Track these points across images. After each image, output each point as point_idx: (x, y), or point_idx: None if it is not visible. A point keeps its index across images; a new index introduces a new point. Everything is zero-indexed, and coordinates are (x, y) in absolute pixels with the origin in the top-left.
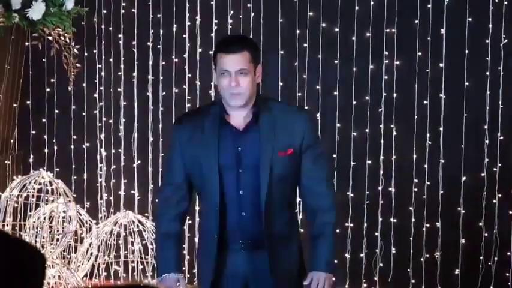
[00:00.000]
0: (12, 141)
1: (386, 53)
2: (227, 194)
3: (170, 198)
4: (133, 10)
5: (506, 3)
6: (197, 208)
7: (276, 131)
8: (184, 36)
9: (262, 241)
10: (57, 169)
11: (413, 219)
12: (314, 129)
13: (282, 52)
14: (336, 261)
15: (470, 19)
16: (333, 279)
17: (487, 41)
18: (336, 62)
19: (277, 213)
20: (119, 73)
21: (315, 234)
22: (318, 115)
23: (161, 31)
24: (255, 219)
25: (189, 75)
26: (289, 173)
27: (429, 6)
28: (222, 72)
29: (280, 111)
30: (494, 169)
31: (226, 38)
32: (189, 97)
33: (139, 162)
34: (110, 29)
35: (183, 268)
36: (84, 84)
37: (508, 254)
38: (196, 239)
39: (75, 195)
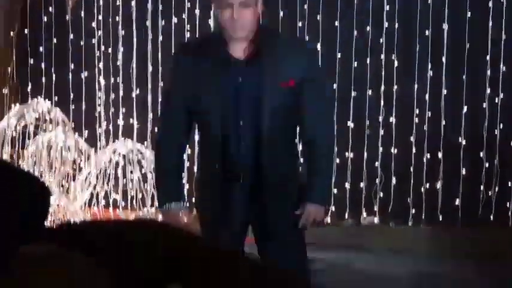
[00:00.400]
0: (9, 70)
1: None
2: (227, 125)
3: (169, 129)
4: None
5: None
6: (196, 137)
7: (278, 63)
8: None
9: (261, 173)
10: (56, 98)
11: (414, 150)
12: (316, 62)
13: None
14: (335, 192)
15: None
16: (331, 209)
17: None
18: None
19: (277, 145)
20: (118, 3)
21: (312, 166)
22: (318, 45)
23: None
24: (255, 151)
25: (188, 5)
26: (290, 105)
27: None
28: (224, 4)
29: (282, 43)
30: (496, 100)
31: None
32: (188, 27)
33: (138, 91)
34: None
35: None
36: (82, 13)
37: (509, 184)
38: (196, 168)
39: (73, 125)
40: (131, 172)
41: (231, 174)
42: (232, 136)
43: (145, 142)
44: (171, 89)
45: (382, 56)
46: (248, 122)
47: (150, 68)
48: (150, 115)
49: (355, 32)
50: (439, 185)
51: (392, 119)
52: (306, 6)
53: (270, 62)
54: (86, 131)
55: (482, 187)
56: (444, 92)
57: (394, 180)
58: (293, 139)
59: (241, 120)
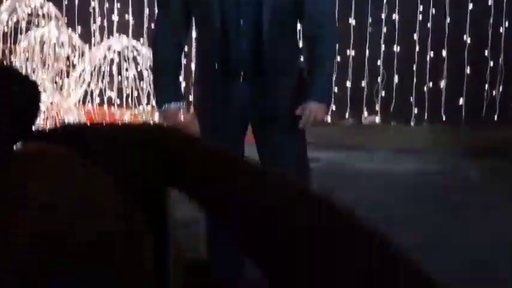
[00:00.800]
0: None
1: None
2: (227, 21)
3: (167, 24)
4: None
5: None
6: (194, 35)
7: None
8: None
9: (261, 70)
10: None
11: (417, 48)
12: None
13: None
14: (336, 91)
15: None
16: (332, 108)
17: None
18: None
19: (278, 41)
20: None
21: (312, 63)
22: None
23: None
24: (256, 47)
25: None
26: (292, 2)
27: None
28: None
29: None
30: None
31: None
32: None
33: None
34: None
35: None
36: None
37: None
38: (193, 66)
39: (66, 20)
40: (126, 70)
41: (231, 71)
42: (232, 32)
43: (141, 39)
44: None
45: None
46: (248, 18)
47: None
48: (147, 11)
49: None
50: (442, 83)
51: (395, 16)
52: None
53: None
54: (80, 27)
55: (486, 86)
56: None
57: (396, 79)
58: (294, 33)
59: (242, 18)
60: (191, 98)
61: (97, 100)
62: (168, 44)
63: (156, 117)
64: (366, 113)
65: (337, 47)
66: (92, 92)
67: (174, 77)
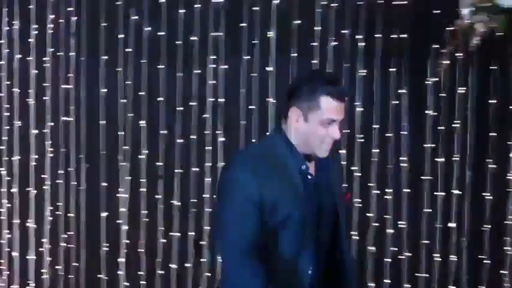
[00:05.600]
0: None
1: (215, 57)
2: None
3: (260, 270)
4: None
5: (334, 5)
6: None
7: (333, 177)
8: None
9: None
10: None
11: None
12: None
13: (104, 57)
14: None
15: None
16: None
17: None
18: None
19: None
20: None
21: None
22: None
23: None
24: (320, 278)
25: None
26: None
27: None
28: (330, 120)
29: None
30: None
31: (333, 79)
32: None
33: None
34: None
35: None
36: None
37: None
38: None
39: None
40: None
41: None
42: (305, 261)
43: None
44: (247, 223)
45: (208, 132)
46: (323, 243)
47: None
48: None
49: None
50: None
51: None
52: (129, 82)
53: (331, 176)
54: None
55: None
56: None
57: None
58: None
59: (321, 235)
60: None
61: None
62: None
63: None
64: None
65: None
66: None
67: None
